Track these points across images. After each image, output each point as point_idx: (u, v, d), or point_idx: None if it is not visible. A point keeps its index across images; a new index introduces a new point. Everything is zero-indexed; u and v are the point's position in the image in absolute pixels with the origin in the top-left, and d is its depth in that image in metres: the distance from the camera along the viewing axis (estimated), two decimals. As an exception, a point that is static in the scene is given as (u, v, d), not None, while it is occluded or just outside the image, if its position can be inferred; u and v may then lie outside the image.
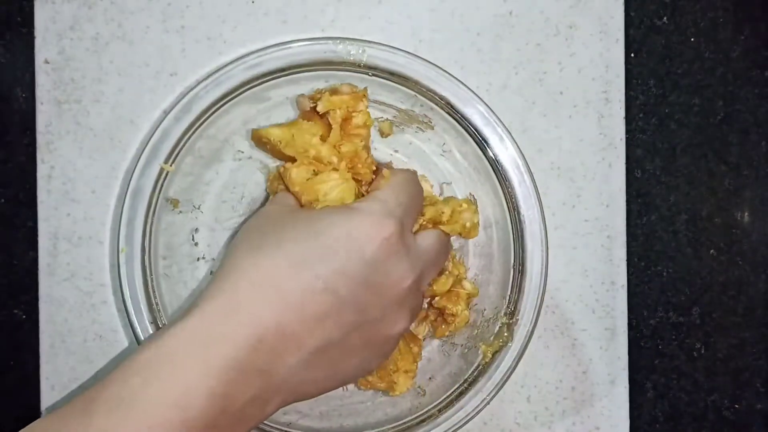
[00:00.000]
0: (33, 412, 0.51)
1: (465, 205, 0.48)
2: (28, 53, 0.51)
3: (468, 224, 0.48)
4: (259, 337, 0.37)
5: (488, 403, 0.47)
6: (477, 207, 0.49)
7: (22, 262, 0.52)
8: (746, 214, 0.53)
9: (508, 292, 0.47)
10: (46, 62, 0.50)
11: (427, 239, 0.44)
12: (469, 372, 0.47)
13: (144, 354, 0.36)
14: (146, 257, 0.46)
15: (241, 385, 0.36)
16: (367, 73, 0.46)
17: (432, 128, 0.48)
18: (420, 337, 0.49)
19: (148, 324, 0.46)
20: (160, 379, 0.35)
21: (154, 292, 0.46)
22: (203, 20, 0.50)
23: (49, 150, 0.51)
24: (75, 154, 0.51)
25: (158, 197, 0.46)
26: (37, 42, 0.50)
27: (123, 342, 0.51)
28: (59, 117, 0.50)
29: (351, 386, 0.50)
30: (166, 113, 0.46)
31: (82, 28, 0.50)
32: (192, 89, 0.46)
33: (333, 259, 0.39)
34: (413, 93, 0.46)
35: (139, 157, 0.46)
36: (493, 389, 0.46)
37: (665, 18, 0.52)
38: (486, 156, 0.47)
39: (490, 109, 0.46)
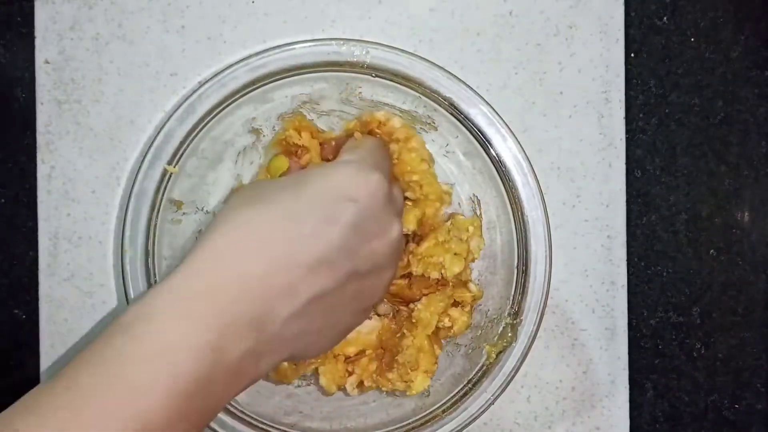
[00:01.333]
0: (33, 412, 0.51)
1: (471, 229, 0.48)
2: (28, 53, 0.51)
3: (474, 254, 0.48)
4: (245, 287, 0.36)
5: (492, 403, 0.46)
6: (482, 231, 0.49)
7: (22, 262, 0.52)
8: (746, 214, 0.53)
9: (512, 293, 0.47)
10: (46, 62, 0.50)
11: (398, 194, 0.46)
12: (473, 373, 0.47)
13: (128, 315, 0.35)
14: (150, 259, 0.46)
15: (232, 338, 0.35)
16: (370, 74, 0.46)
17: (435, 129, 0.48)
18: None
19: None
20: (143, 337, 0.34)
21: None
22: (203, 20, 0.50)
23: (49, 150, 0.51)
24: (75, 154, 0.50)
25: (162, 199, 0.46)
26: (37, 42, 0.50)
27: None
28: (59, 117, 0.50)
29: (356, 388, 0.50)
30: (169, 115, 0.46)
31: (82, 28, 0.50)
32: (195, 91, 0.46)
33: (321, 207, 0.38)
34: (417, 94, 0.47)
35: (143, 159, 0.46)
36: (497, 390, 0.46)
37: (665, 18, 0.52)
38: (489, 157, 0.47)
39: (494, 109, 0.46)
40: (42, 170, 0.51)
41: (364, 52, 0.46)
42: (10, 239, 0.52)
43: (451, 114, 0.46)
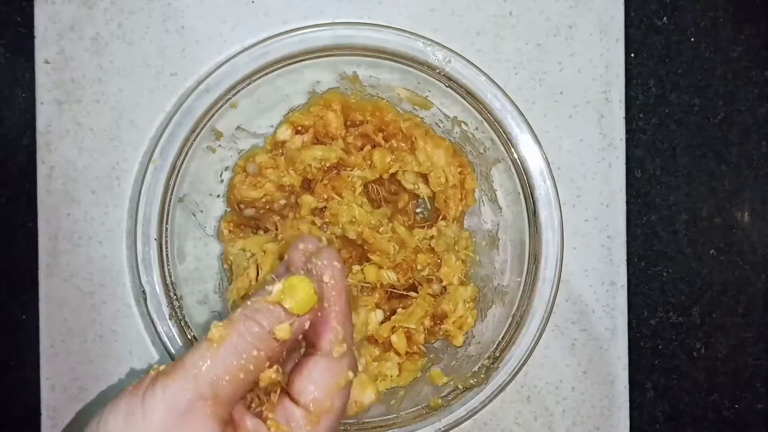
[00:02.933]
0: (33, 412, 0.51)
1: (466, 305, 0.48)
2: (28, 53, 0.51)
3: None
4: None
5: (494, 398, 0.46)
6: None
7: (22, 262, 0.52)
8: (746, 214, 0.53)
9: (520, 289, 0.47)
10: (46, 62, 0.50)
11: None
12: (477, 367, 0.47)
13: None
14: (164, 250, 0.46)
15: None
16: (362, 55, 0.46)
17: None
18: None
19: (171, 327, 0.46)
20: None
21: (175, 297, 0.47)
22: (203, 20, 0.50)
23: (49, 150, 0.51)
24: (75, 154, 0.51)
25: (171, 197, 0.46)
26: (37, 42, 0.50)
27: (122, 343, 0.51)
28: (59, 117, 0.50)
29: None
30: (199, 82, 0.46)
31: (82, 28, 0.50)
32: (239, 54, 0.46)
33: None
34: (407, 68, 0.46)
35: (160, 137, 0.46)
36: (500, 385, 0.46)
37: (665, 18, 0.52)
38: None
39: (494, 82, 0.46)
40: (42, 170, 0.51)
41: (446, 60, 0.46)
42: (10, 239, 0.52)
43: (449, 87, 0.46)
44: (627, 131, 0.51)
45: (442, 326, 0.49)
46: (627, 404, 0.52)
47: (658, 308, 0.53)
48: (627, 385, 0.52)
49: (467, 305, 0.48)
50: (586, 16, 0.51)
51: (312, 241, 0.38)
